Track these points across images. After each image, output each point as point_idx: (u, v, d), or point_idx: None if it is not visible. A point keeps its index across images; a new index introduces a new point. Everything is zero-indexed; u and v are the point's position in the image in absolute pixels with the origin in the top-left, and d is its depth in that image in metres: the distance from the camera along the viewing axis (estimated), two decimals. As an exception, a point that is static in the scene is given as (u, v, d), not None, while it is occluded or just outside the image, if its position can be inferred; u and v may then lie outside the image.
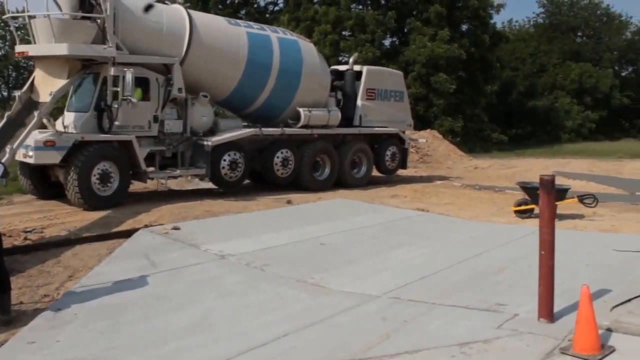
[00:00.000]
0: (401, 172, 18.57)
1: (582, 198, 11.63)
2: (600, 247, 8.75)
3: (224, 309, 6.21)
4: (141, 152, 12.35)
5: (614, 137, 57.66)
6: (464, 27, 42.41)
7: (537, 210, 9.06)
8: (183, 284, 7.01)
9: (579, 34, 71.26)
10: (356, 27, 39.08)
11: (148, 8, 12.72)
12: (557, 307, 5.42)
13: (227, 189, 14.11)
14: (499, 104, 47.53)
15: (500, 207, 12.88)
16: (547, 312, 5.30)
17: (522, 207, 11.39)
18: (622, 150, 37.61)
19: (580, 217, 11.69)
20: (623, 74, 69.90)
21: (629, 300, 5.69)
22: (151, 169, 12.87)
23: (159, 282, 6.99)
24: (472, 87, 40.74)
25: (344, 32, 40.34)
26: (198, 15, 14.28)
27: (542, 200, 5.25)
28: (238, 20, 16.24)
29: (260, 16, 44.88)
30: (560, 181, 16.77)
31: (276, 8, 50.06)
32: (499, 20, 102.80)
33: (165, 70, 12.90)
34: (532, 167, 24.22)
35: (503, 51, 50.72)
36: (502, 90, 48.65)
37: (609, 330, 5.02)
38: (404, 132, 18.25)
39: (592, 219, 11.45)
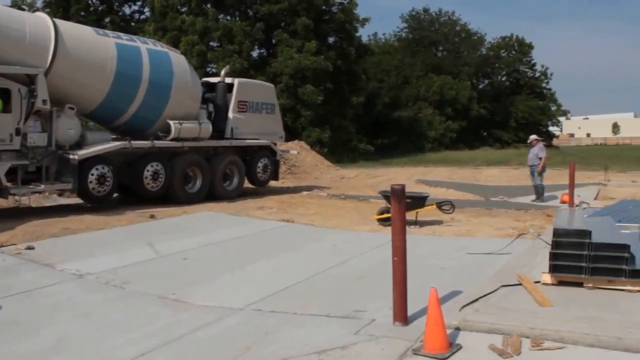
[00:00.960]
0: (269, 183, 18.66)
1: (440, 205, 12.22)
2: (455, 250, 9.21)
3: (81, 330, 5.90)
4: (1, 167, 11.71)
5: (473, 146, 61.32)
6: (331, 39, 43.48)
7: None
8: (36, 306, 6.59)
9: (440, 48, 75.19)
10: (224, 38, 38.97)
11: None
12: (412, 310, 5.62)
13: (95, 204, 13.63)
14: (365, 114, 49.03)
15: (365, 216, 13.25)
16: (402, 315, 5.49)
17: (384, 215, 11.74)
18: (480, 158, 40.00)
19: (440, 222, 12.25)
20: (480, 86, 74.53)
21: (476, 300, 6.03)
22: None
23: (9, 306, 6.52)
24: (339, 98, 41.76)
25: (211, 43, 40.05)
26: (64, 25, 13.71)
27: (393, 208, 5.44)
28: (107, 31, 15.74)
29: (126, 24, 43.59)
30: (420, 189, 17.63)
31: (142, 17, 48.80)
32: (364, 33, 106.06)
33: (29, 81, 12.25)
34: (397, 176, 25.18)
35: (369, 63, 52.45)
36: (368, 102, 50.27)
37: (458, 329, 5.27)
38: (275, 144, 18.42)
39: (450, 225, 12.04)
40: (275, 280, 7.55)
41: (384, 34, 77.89)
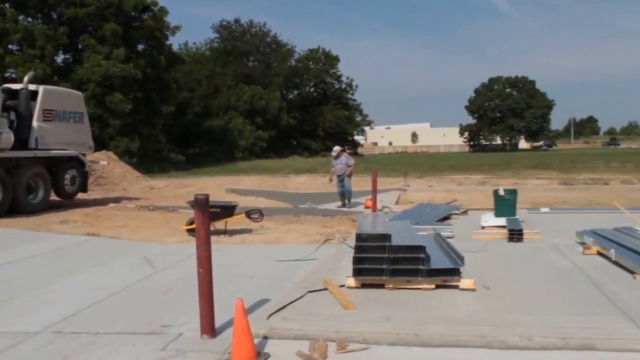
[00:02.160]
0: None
1: (249, 213, 12.21)
2: (264, 258, 9.22)
3: None
4: None
5: (283, 154, 62.67)
6: (140, 47, 42.14)
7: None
8: None
9: (251, 58, 76.04)
10: (24, 42, 36.05)
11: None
12: (221, 321, 5.49)
13: None
14: (175, 124, 48.12)
15: (174, 227, 12.88)
16: (209, 328, 5.34)
17: (193, 226, 11.46)
18: (289, 167, 40.91)
19: (249, 231, 12.25)
20: (289, 97, 76.52)
21: (283, 307, 6.05)
22: None
23: None
24: (148, 107, 40.57)
25: (10, 46, 36.87)
26: None
27: (197, 218, 5.28)
28: None
29: None
30: (231, 198, 17.56)
31: None
32: (175, 42, 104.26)
33: None
34: (208, 185, 24.91)
35: (179, 72, 51.56)
36: (179, 111, 49.40)
37: (266, 337, 5.23)
38: (84, 155, 17.44)
39: (259, 233, 12.08)
40: (78, 298, 7.00)
41: (194, 44, 76.82)
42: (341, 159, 17.25)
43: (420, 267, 6.87)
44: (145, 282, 7.88)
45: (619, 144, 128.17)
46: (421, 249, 6.97)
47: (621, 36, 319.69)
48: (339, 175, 17.16)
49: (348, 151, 18.23)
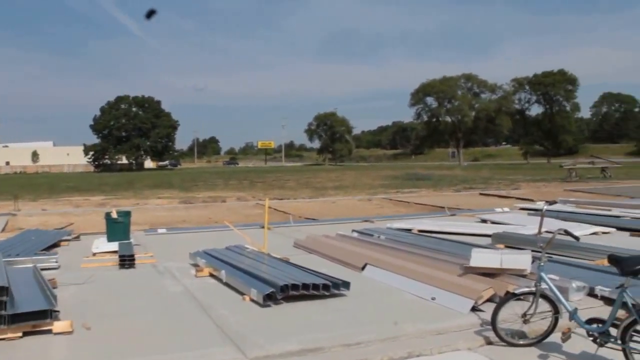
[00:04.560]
0: None
1: None
2: None
3: None
4: None
5: None
6: None
7: None
8: None
9: None
10: None
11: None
12: None
13: None
14: None
15: None
16: None
17: None
18: None
19: None
20: None
21: None
22: None
23: None
24: None
25: None
26: None
27: None
28: None
29: None
30: None
31: None
32: None
33: None
34: None
35: None
36: None
37: None
38: None
39: None
40: None
41: None
42: None
43: (2, 312, 5.61)
44: None
45: (237, 163, 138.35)
46: (3, 290, 5.71)
47: (240, 62, 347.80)
48: None
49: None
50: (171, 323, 6.20)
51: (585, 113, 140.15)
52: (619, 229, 12.99)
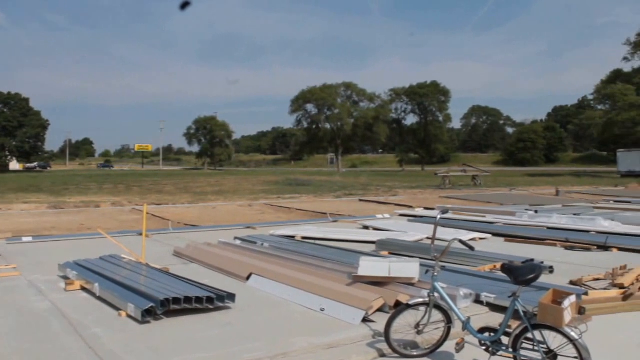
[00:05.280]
0: None
1: None
2: None
3: None
4: None
5: None
6: None
7: None
8: None
9: None
10: None
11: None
12: None
13: None
14: None
15: None
16: None
17: None
18: None
19: None
20: None
21: None
22: None
23: None
24: None
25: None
26: None
27: None
28: None
29: None
30: None
31: None
32: None
33: None
34: None
35: None
36: None
37: None
38: None
39: None
40: None
41: None
42: None
43: None
44: None
45: (112, 166, 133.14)
46: None
47: (116, 63, 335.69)
48: None
49: None
50: (35, 346, 5.53)
51: (456, 124, 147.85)
52: (494, 234, 13.52)
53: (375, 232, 13.93)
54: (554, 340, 4.40)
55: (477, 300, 6.95)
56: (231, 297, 7.03)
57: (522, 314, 4.56)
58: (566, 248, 11.62)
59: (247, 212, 21.10)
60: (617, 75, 72.34)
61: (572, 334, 4.27)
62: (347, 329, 6.09)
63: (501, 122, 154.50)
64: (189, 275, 8.33)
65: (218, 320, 6.45)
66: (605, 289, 7.40)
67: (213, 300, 6.84)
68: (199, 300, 6.73)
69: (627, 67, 72.20)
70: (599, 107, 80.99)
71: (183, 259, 10.53)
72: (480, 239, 13.02)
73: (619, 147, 68.29)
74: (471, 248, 5.54)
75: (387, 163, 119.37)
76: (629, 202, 24.57)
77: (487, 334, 4.93)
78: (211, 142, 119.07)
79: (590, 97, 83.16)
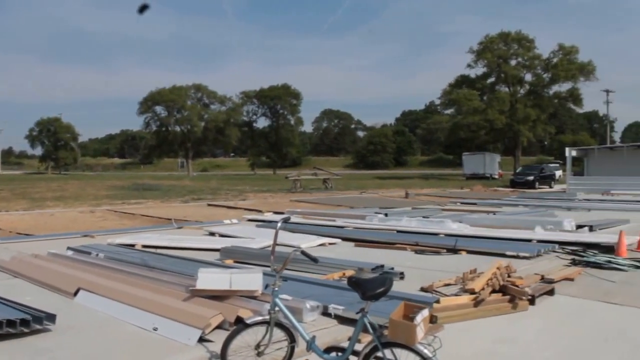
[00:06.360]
0: None
1: None
2: None
3: None
4: None
5: None
6: None
7: None
8: None
9: None
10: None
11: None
12: None
13: None
14: None
15: None
16: None
17: None
18: None
19: None
20: None
21: None
22: None
23: None
24: None
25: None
26: None
27: None
28: None
29: None
30: None
31: None
32: None
33: None
34: None
35: None
36: None
37: None
38: None
39: None
40: None
41: None
42: None
43: None
44: None
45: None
46: None
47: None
48: None
49: None
50: None
51: (308, 127, 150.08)
52: (344, 239, 13.29)
53: (222, 239, 13.22)
54: (406, 358, 4.00)
55: (325, 312, 6.47)
56: (51, 318, 6.06)
57: (371, 331, 4.12)
58: (416, 252, 11.53)
59: (87, 219, 19.52)
60: (463, 80, 75.77)
61: (425, 351, 3.89)
62: (181, 351, 5.39)
63: (352, 125, 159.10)
64: (9, 292, 7.31)
65: (34, 347, 5.50)
66: (456, 294, 7.26)
67: (28, 323, 5.84)
68: (11, 323, 5.71)
69: (472, 74, 75.19)
70: (446, 111, 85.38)
71: (6, 274, 9.24)
72: (330, 243, 12.73)
73: (464, 150, 72.42)
74: (314, 260, 5.06)
75: (239, 167, 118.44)
76: (474, 203, 25.71)
77: (334, 354, 4.45)
78: (55, 144, 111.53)
79: (437, 102, 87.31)
